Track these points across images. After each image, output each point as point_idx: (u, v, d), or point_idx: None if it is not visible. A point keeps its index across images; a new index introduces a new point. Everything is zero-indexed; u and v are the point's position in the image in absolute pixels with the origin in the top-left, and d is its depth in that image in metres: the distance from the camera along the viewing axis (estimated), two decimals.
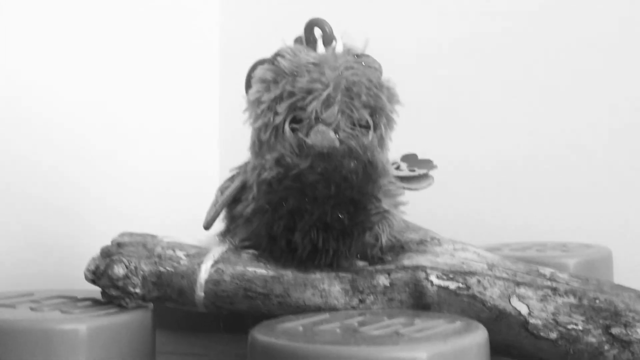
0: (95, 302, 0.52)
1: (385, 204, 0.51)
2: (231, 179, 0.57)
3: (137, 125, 0.86)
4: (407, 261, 0.51)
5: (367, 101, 0.53)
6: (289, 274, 0.51)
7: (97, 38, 0.81)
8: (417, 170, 0.56)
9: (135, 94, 0.86)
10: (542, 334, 0.48)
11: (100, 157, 0.81)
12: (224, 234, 0.56)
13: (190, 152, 0.92)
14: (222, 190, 0.56)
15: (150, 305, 0.51)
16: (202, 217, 0.55)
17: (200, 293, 0.51)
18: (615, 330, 0.47)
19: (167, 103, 0.89)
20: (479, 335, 0.44)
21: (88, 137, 0.80)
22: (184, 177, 0.89)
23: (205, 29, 0.96)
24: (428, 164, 0.57)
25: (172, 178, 0.88)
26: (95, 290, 0.52)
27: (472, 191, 0.86)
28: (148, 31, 0.87)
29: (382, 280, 0.50)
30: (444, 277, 0.50)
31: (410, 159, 0.58)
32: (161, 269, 0.51)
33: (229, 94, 0.97)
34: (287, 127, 0.52)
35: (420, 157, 0.58)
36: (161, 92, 0.88)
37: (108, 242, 0.53)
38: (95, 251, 0.52)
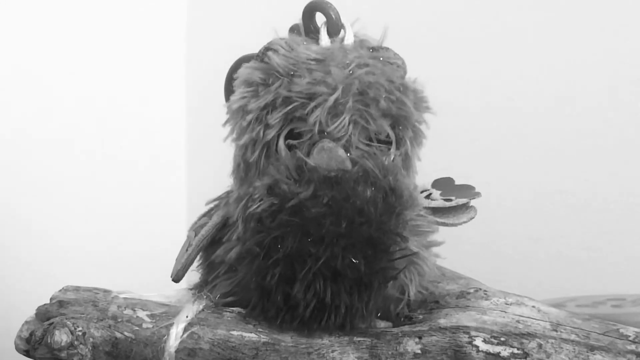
0: None
1: (414, 244, 0.51)
2: (208, 213, 0.57)
3: (80, 138, 0.87)
4: (443, 320, 0.51)
5: (387, 108, 0.52)
6: (287, 340, 0.50)
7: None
8: (455, 199, 0.56)
9: (86, 105, 0.87)
10: None
11: (34, 178, 0.82)
12: (200, 287, 0.55)
13: (153, 181, 0.92)
14: (196, 229, 0.56)
15: None
16: (169, 266, 0.55)
17: None
18: None
19: (121, 102, 0.90)
20: None
21: (25, 163, 0.81)
22: (145, 211, 0.89)
23: (171, 37, 0.97)
24: (469, 191, 0.57)
25: (129, 214, 0.88)
26: None
27: (526, 229, 0.86)
28: (104, 47, 0.89)
29: (412, 346, 0.50)
30: (494, 340, 0.49)
31: (446, 184, 0.58)
32: (117, 334, 0.50)
33: (197, 99, 0.98)
34: (282, 144, 0.52)
35: (458, 182, 0.58)
36: (118, 94, 0.90)
37: (46, 300, 0.52)
38: (30, 312, 0.52)
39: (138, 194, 0.91)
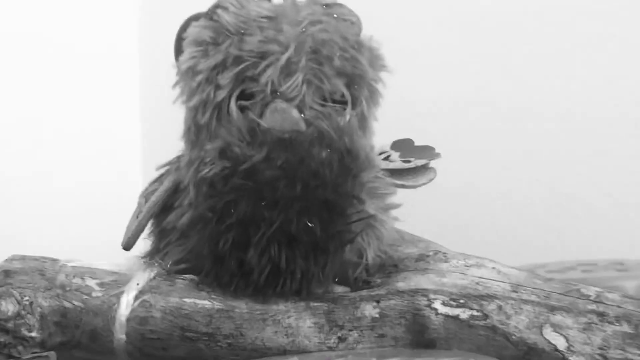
0: None
1: (371, 207, 0.52)
2: (159, 179, 0.58)
3: (30, 98, 0.87)
4: (402, 284, 0.52)
5: (341, 67, 0.53)
6: (242, 306, 0.51)
7: None
8: (414, 160, 0.57)
9: (38, 65, 0.87)
10: None
11: None
12: (151, 255, 0.57)
13: (105, 147, 0.92)
14: (146, 195, 0.57)
15: (53, 355, 0.52)
16: (120, 233, 0.56)
17: (120, 335, 0.51)
18: None
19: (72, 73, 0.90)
20: None
21: None
22: (97, 178, 0.89)
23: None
24: (429, 152, 0.58)
25: (79, 180, 0.88)
26: None
27: (493, 191, 0.88)
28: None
29: (369, 310, 0.51)
30: (453, 303, 0.51)
31: (405, 145, 0.59)
32: (66, 304, 0.51)
33: (150, 62, 0.98)
34: (233, 105, 0.53)
35: (417, 143, 0.59)
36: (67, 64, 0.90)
37: None
38: None
39: (89, 161, 0.91)
